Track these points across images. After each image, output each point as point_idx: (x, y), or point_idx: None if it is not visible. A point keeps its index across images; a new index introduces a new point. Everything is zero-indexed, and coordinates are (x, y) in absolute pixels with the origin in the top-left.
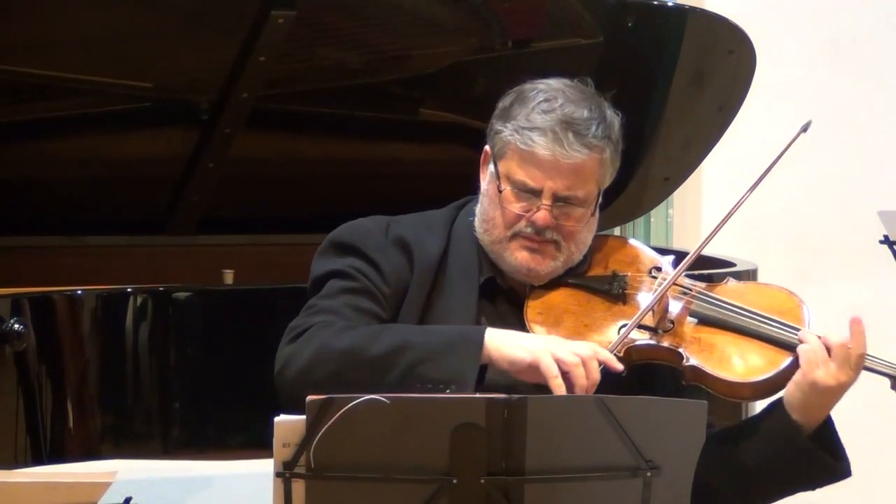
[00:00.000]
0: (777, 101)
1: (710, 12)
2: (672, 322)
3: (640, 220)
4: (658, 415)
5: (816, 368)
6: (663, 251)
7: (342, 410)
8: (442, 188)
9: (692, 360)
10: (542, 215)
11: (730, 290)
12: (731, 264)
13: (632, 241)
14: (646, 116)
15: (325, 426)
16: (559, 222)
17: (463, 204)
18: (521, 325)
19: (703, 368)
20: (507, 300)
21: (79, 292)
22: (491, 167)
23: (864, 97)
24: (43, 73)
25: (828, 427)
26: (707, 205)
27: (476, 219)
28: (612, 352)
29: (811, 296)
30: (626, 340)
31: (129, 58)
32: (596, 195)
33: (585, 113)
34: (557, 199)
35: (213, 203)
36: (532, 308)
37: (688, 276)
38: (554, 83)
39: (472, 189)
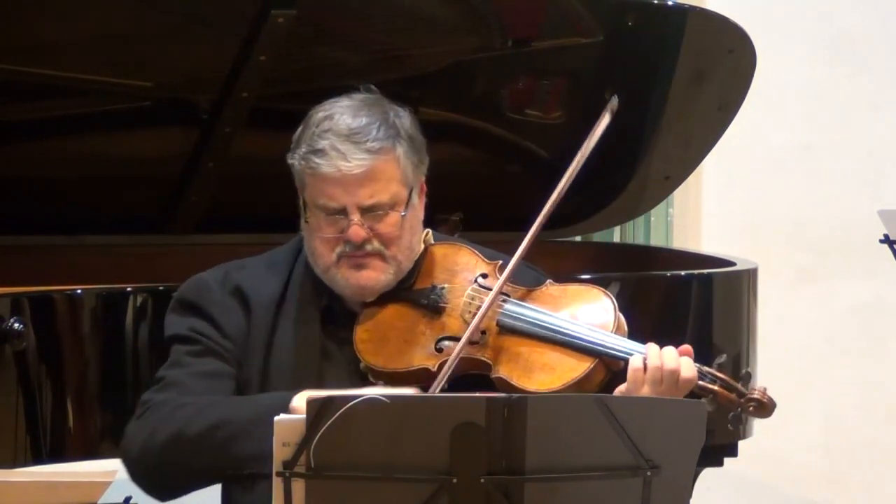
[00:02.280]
0: (777, 101)
1: (710, 12)
2: (484, 332)
3: (640, 220)
4: (658, 415)
5: (644, 387)
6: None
7: (342, 410)
8: (442, 188)
9: (499, 371)
10: (353, 230)
11: (545, 294)
12: (731, 264)
13: (464, 247)
14: (646, 116)
15: (325, 426)
16: (376, 232)
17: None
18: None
19: (508, 380)
20: (350, 324)
21: (79, 292)
22: (300, 200)
23: (864, 97)
24: (43, 73)
25: None
26: (707, 204)
27: (307, 254)
28: (436, 388)
29: (811, 296)
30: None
31: (129, 57)
32: (406, 195)
33: (364, 120)
34: (363, 210)
35: (213, 203)
36: (361, 329)
37: (511, 282)
38: (336, 101)
39: (470, 188)
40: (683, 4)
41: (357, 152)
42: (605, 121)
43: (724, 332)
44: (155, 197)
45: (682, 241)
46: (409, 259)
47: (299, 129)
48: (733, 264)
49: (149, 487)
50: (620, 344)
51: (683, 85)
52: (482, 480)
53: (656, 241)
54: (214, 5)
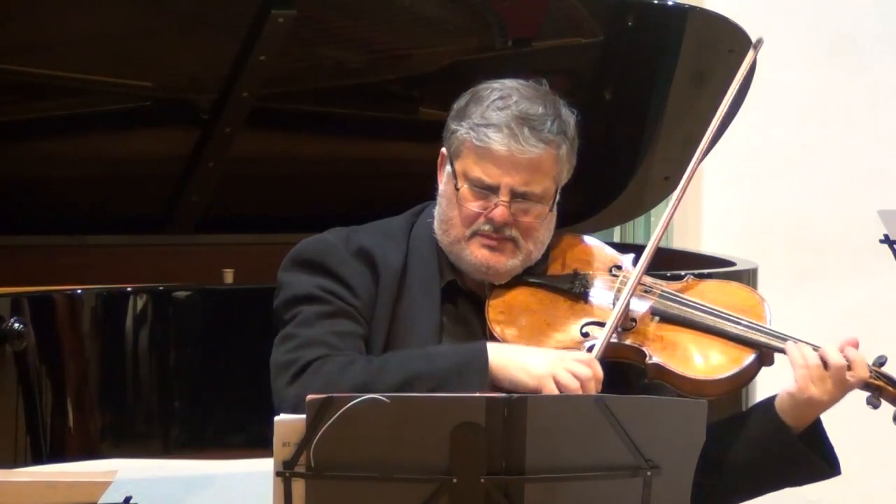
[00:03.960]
0: (777, 101)
1: (710, 12)
2: (634, 320)
3: (640, 220)
4: (658, 415)
5: (812, 385)
6: (622, 247)
7: (342, 409)
8: None
9: (655, 357)
10: (499, 211)
11: (691, 288)
12: (731, 264)
13: (589, 239)
14: (646, 116)
15: (326, 425)
16: (517, 219)
17: (421, 209)
18: (482, 326)
19: (666, 366)
20: (468, 302)
21: (79, 292)
22: (448, 167)
23: (864, 97)
24: (43, 73)
25: (817, 427)
26: (707, 205)
27: (435, 221)
28: (596, 357)
29: (811, 296)
30: (601, 343)
31: (129, 57)
32: (553, 192)
33: (540, 109)
34: (515, 195)
35: (213, 203)
36: (493, 308)
37: (649, 274)
38: (508, 82)
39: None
40: (683, 4)
41: (531, 138)
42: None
43: None
44: (155, 197)
45: (683, 241)
46: (539, 251)
47: (464, 98)
48: (733, 264)
49: None
50: (782, 334)
51: (683, 85)
52: (482, 480)
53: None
54: (214, 5)
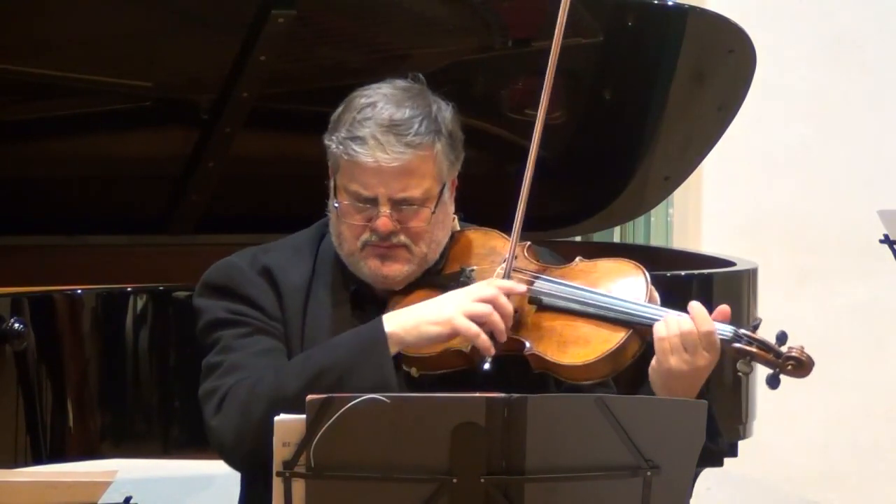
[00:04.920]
0: (777, 101)
1: (710, 12)
2: (515, 311)
3: (640, 220)
4: (658, 414)
5: (669, 356)
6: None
7: (342, 410)
8: None
9: (532, 348)
10: (382, 222)
11: (574, 271)
12: (731, 264)
13: (493, 232)
14: (646, 116)
15: (325, 425)
16: (404, 225)
17: (327, 222)
18: None
19: (543, 355)
20: (377, 307)
21: (79, 292)
22: (331, 182)
23: (864, 97)
24: (43, 73)
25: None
26: (707, 204)
27: (332, 236)
28: (504, 275)
29: (811, 295)
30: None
31: (129, 57)
32: (438, 191)
33: (407, 112)
34: (394, 202)
35: (214, 203)
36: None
37: (542, 261)
38: (378, 87)
39: (469, 188)
40: (683, 4)
41: (397, 145)
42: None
43: None
44: (155, 197)
45: (682, 241)
46: (435, 252)
47: (339, 110)
48: (733, 264)
49: (251, 465)
50: (653, 311)
51: (683, 85)
52: (482, 480)
53: (656, 241)
54: (214, 5)
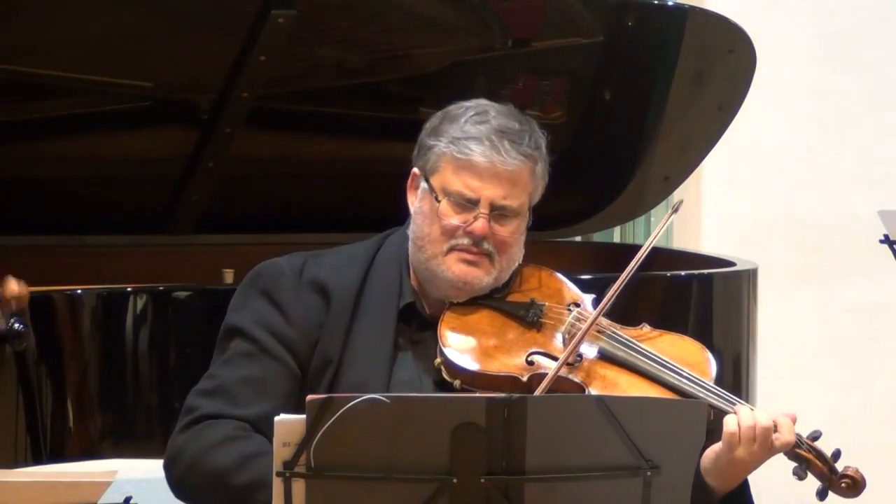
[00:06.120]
0: (777, 101)
1: (710, 12)
2: (580, 356)
3: (640, 220)
4: (658, 415)
5: (738, 447)
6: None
7: (342, 410)
8: None
9: (594, 395)
10: (480, 224)
11: (643, 335)
12: (731, 264)
13: (556, 274)
14: (646, 116)
15: (326, 426)
16: (494, 233)
17: (389, 234)
18: (435, 349)
19: None
20: (425, 324)
21: (79, 292)
22: (423, 185)
23: (864, 97)
24: (43, 73)
25: (743, 492)
26: (707, 205)
27: (409, 242)
28: (542, 390)
29: (811, 296)
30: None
31: (129, 57)
32: (527, 208)
33: (517, 125)
34: (494, 208)
35: (213, 203)
36: (446, 323)
37: (606, 315)
38: (481, 101)
39: None
40: (683, 4)
41: (512, 151)
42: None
43: (724, 332)
44: (155, 197)
45: (683, 241)
46: (509, 270)
47: (437, 117)
48: (733, 264)
49: (185, 499)
50: (723, 395)
51: (683, 85)
52: (482, 480)
53: (656, 241)
54: (214, 5)
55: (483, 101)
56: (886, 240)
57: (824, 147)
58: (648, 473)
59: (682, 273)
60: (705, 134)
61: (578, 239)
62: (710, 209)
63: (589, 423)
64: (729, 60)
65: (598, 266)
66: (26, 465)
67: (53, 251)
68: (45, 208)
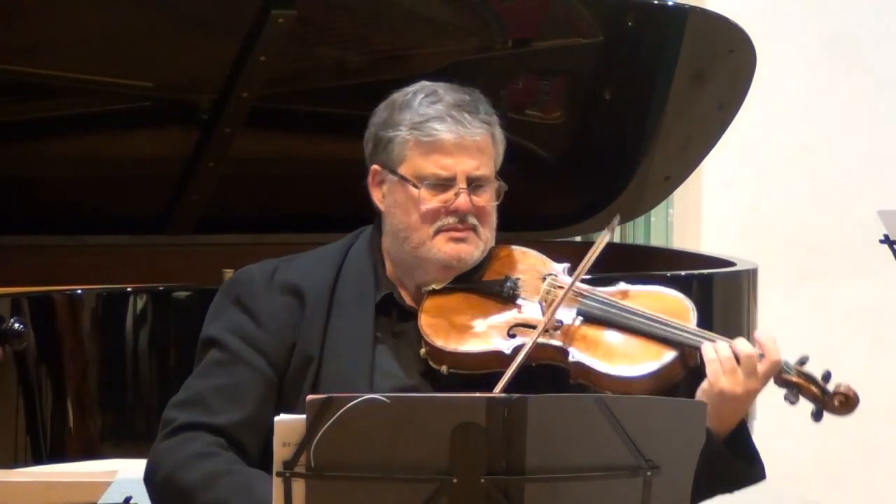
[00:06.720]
0: (777, 101)
1: (710, 12)
2: (559, 322)
3: (640, 220)
4: (658, 415)
5: (723, 377)
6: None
7: (342, 410)
8: None
9: (577, 356)
10: (463, 200)
11: (621, 293)
12: (731, 264)
13: (527, 249)
14: (646, 116)
15: (325, 426)
16: (475, 205)
17: (358, 233)
18: (417, 339)
19: (588, 365)
20: (404, 314)
21: (79, 292)
22: (390, 177)
23: (863, 97)
24: (43, 73)
25: (741, 431)
26: (707, 204)
27: (387, 237)
28: (509, 373)
29: (811, 296)
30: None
31: (129, 57)
32: (495, 176)
33: (467, 97)
34: (470, 181)
35: (213, 203)
36: (426, 312)
37: (583, 280)
38: (423, 83)
39: None
40: (683, 4)
41: (475, 121)
42: (605, 239)
43: (724, 332)
44: (155, 197)
45: (682, 241)
46: (491, 240)
47: (383, 110)
48: (733, 264)
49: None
50: (703, 334)
51: (683, 85)
52: (482, 480)
53: (656, 241)
54: (214, 5)
55: (426, 83)
56: (886, 240)
57: (824, 147)
58: (648, 473)
59: (682, 273)
60: (705, 134)
61: (578, 239)
62: (710, 209)
63: (589, 422)
64: (729, 60)
65: (598, 266)
66: (26, 465)
67: (53, 251)
68: (45, 208)
